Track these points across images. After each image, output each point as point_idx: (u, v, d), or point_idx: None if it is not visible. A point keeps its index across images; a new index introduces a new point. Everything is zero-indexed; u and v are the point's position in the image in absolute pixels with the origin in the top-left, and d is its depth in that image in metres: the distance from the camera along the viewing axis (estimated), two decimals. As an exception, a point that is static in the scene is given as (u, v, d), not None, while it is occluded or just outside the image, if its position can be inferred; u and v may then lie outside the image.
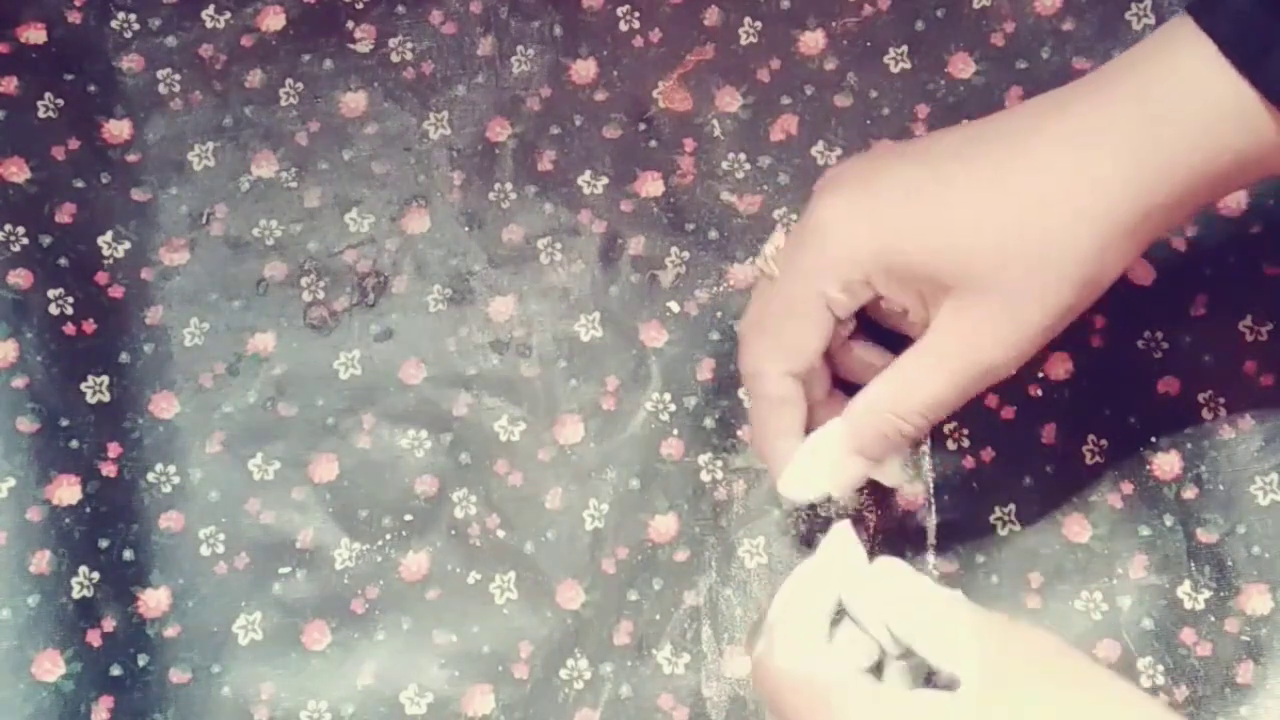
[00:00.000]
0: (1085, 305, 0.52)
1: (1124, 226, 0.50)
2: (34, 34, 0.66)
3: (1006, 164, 0.51)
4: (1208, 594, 0.58)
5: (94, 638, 0.58)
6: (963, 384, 0.52)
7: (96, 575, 0.59)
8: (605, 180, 0.64)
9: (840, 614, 0.50)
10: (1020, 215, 0.50)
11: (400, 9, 0.66)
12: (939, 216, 0.51)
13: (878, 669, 0.49)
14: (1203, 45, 0.49)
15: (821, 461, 0.54)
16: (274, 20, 0.66)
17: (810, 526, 0.59)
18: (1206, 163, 0.50)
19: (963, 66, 0.64)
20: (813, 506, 0.59)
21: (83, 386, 0.61)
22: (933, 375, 0.52)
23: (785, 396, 0.54)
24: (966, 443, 0.60)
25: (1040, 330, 0.51)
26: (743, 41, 0.65)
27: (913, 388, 0.52)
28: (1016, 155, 0.51)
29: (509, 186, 0.64)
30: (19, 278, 0.62)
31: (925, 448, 0.60)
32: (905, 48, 0.64)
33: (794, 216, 0.63)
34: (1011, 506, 0.59)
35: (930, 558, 0.59)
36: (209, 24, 0.66)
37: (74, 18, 0.66)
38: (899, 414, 0.53)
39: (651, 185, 0.64)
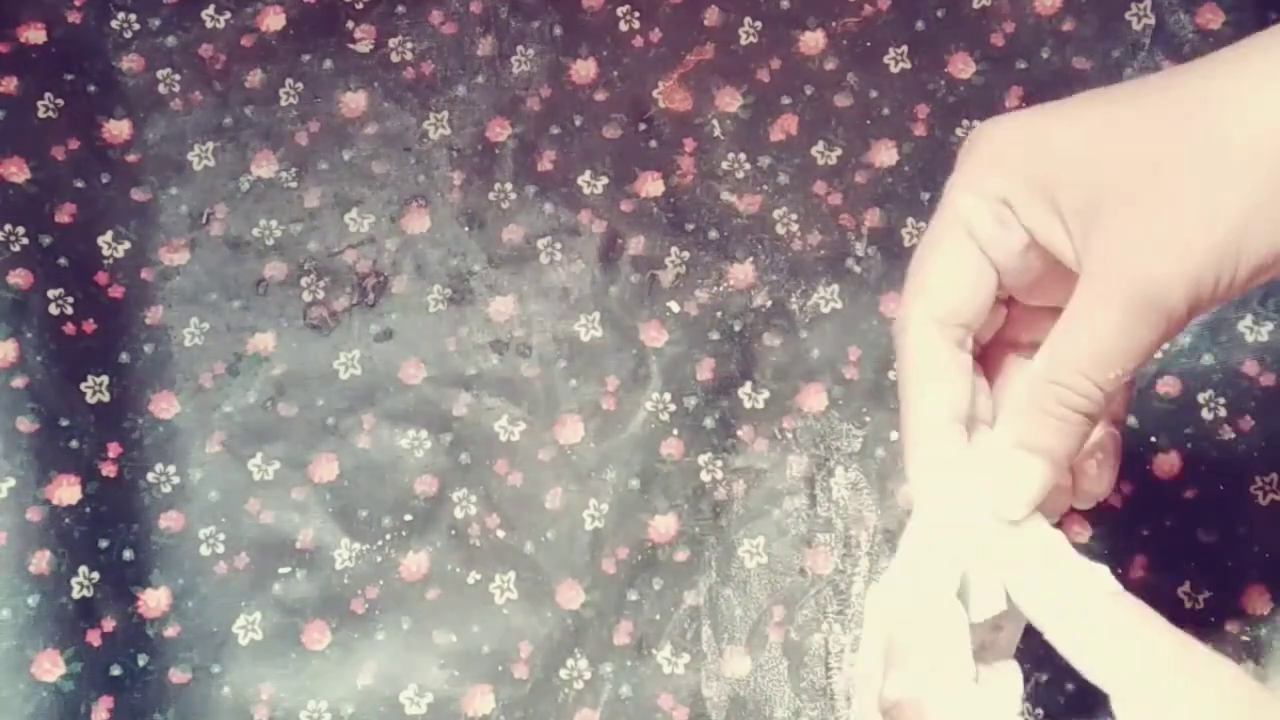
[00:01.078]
0: (1263, 254, 0.41)
1: None
2: (34, 34, 0.66)
3: (1196, 100, 0.42)
4: (1208, 594, 0.58)
5: (94, 638, 0.58)
6: (1126, 319, 0.41)
7: (96, 575, 0.59)
8: (605, 180, 0.64)
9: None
10: (1192, 129, 0.41)
11: (400, 9, 0.66)
12: (1098, 131, 0.42)
13: None
14: None
15: (1000, 475, 0.44)
16: (274, 20, 0.66)
17: (810, 526, 0.59)
18: None
19: (963, 66, 0.64)
20: (813, 506, 0.59)
21: (83, 386, 0.61)
22: (1093, 318, 0.42)
23: (930, 359, 0.44)
24: (966, 443, 0.60)
25: (1219, 246, 0.41)
26: (743, 41, 0.65)
27: (1071, 341, 0.42)
28: (1216, 94, 0.42)
29: (509, 186, 0.64)
30: (19, 278, 0.62)
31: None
32: (905, 48, 0.64)
33: (794, 216, 0.63)
34: (1011, 506, 0.59)
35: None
36: (209, 24, 0.66)
37: (74, 18, 0.66)
38: (1059, 380, 0.42)
39: (651, 185, 0.64)
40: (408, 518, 0.60)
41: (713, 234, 0.63)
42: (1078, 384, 0.42)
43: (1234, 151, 0.41)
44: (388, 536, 0.60)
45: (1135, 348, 0.41)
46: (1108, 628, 0.41)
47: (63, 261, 0.63)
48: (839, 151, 0.64)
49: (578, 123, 0.65)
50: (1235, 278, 0.41)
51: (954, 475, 0.44)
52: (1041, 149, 0.43)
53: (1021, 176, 0.43)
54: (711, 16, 0.65)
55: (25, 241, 0.63)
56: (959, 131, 0.63)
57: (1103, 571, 0.43)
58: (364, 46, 0.66)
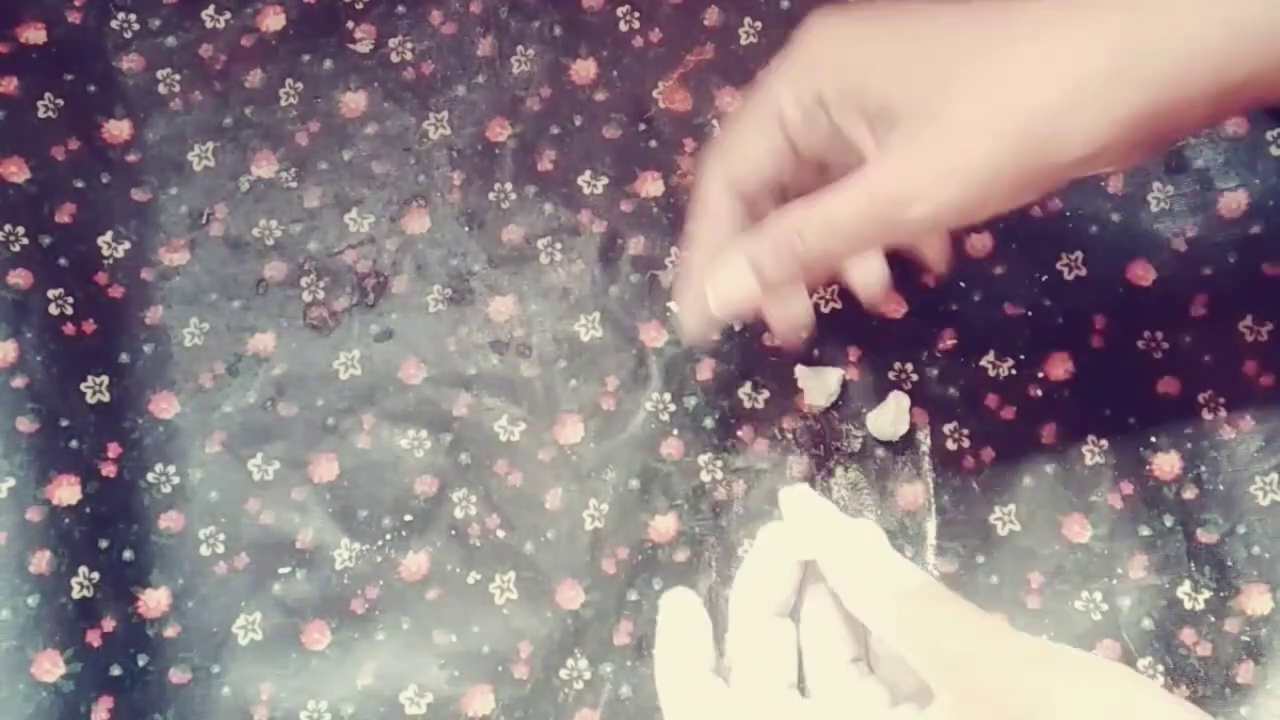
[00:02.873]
0: (1029, 184, 0.47)
1: (1101, 94, 0.46)
2: (34, 34, 0.66)
3: (1000, 30, 0.47)
4: (1208, 594, 0.58)
5: (94, 638, 0.58)
6: (871, 218, 0.48)
7: (96, 575, 0.59)
8: (605, 180, 0.64)
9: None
10: (991, 60, 0.47)
11: (400, 9, 0.66)
12: (910, 48, 0.48)
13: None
14: None
15: (718, 277, 0.52)
16: (274, 20, 0.66)
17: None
18: (1247, 70, 0.45)
19: (963, 66, 0.64)
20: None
21: (83, 386, 0.61)
22: (845, 198, 0.48)
23: (715, 208, 0.52)
24: (966, 443, 0.60)
25: (968, 175, 0.47)
26: (743, 41, 0.65)
27: (822, 201, 0.49)
28: (1018, 27, 0.47)
29: (509, 186, 0.64)
30: (19, 278, 0.62)
31: (925, 448, 0.60)
32: (905, 48, 0.64)
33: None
34: (1011, 506, 0.59)
35: (930, 558, 0.59)
36: (209, 24, 0.66)
37: (74, 18, 0.66)
38: (797, 229, 0.49)
39: (651, 185, 0.64)
40: (408, 518, 0.60)
41: (713, 234, 0.63)
42: (809, 239, 0.49)
43: (996, 117, 0.46)
44: (388, 536, 0.60)
45: (866, 235, 0.49)
46: (897, 622, 0.48)
47: (63, 261, 0.63)
48: (839, 151, 0.64)
49: (578, 123, 0.65)
50: (977, 213, 0.48)
51: (698, 303, 0.53)
52: (855, 60, 0.49)
53: (836, 78, 0.49)
54: (711, 16, 0.65)
55: (25, 241, 0.63)
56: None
57: (908, 567, 0.50)
58: (364, 46, 0.66)
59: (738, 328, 0.62)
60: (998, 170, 0.47)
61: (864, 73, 0.49)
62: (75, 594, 0.59)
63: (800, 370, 0.60)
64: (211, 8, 0.66)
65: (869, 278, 0.55)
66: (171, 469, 0.61)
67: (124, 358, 0.62)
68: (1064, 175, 0.47)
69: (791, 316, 0.55)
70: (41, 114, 0.65)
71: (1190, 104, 0.46)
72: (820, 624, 0.52)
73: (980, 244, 0.62)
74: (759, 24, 0.65)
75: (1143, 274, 0.61)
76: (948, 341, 0.61)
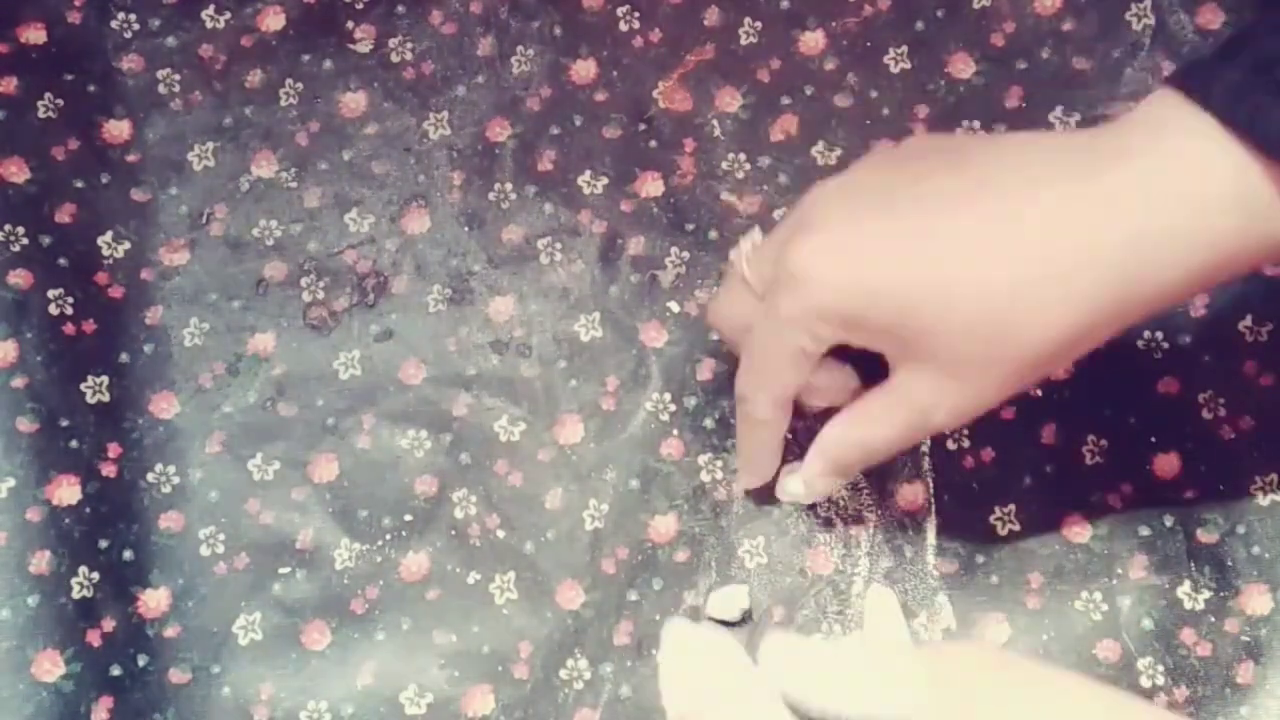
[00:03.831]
0: (1041, 379, 0.56)
1: (1101, 314, 0.50)
2: (34, 34, 0.66)
3: (989, 232, 0.50)
4: (1208, 594, 0.58)
5: (94, 638, 0.58)
6: (907, 436, 0.54)
7: (96, 575, 0.59)
8: (605, 180, 0.64)
9: None
10: (992, 298, 0.50)
11: (400, 9, 0.66)
12: (913, 284, 0.50)
13: None
14: (1196, 119, 0.48)
15: (783, 492, 0.59)
16: (274, 20, 0.66)
17: (810, 526, 0.59)
18: (1204, 247, 0.49)
19: (963, 66, 0.64)
20: (812, 506, 0.59)
21: (83, 386, 0.61)
22: (878, 419, 0.54)
23: (768, 420, 0.56)
24: (966, 443, 0.60)
25: (989, 404, 0.52)
26: (743, 41, 0.65)
27: (861, 428, 0.54)
28: (1002, 223, 0.50)
29: (509, 186, 0.64)
30: (19, 278, 0.62)
31: (925, 448, 0.60)
32: (905, 48, 0.64)
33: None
34: (1011, 506, 0.59)
35: (930, 558, 0.59)
36: (209, 24, 0.66)
37: (74, 18, 0.66)
38: (841, 453, 0.55)
39: (651, 185, 0.64)
40: (408, 518, 0.60)
41: (713, 234, 0.63)
42: (857, 459, 0.56)
43: (1029, 322, 0.50)
44: (388, 536, 0.60)
45: (903, 443, 0.54)
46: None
47: (63, 261, 0.63)
48: (839, 151, 0.64)
49: (578, 123, 0.65)
50: (995, 403, 0.52)
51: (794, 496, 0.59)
52: (857, 299, 0.51)
53: (843, 323, 0.52)
54: (711, 16, 0.65)
55: (25, 241, 0.63)
56: (959, 132, 0.63)
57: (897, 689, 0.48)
58: (364, 46, 0.66)
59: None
60: (1001, 390, 0.52)
61: (870, 311, 0.51)
62: (75, 594, 0.59)
63: None
64: (211, 8, 0.66)
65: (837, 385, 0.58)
66: (171, 469, 0.61)
67: (124, 358, 0.62)
68: (1055, 357, 0.52)
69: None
70: (41, 114, 0.65)
71: (1198, 283, 0.51)
72: None
73: (980, 244, 0.62)
74: (759, 24, 0.65)
75: (1143, 274, 0.61)
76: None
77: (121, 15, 0.66)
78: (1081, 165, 0.50)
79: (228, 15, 0.66)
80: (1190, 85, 0.49)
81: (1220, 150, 0.48)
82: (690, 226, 0.63)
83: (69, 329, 0.62)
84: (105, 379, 0.61)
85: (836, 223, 0.52)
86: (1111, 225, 0.49)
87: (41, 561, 0.59)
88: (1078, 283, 0.49)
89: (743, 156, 0.64)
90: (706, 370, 0.61)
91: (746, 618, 0.58)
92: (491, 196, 0.64)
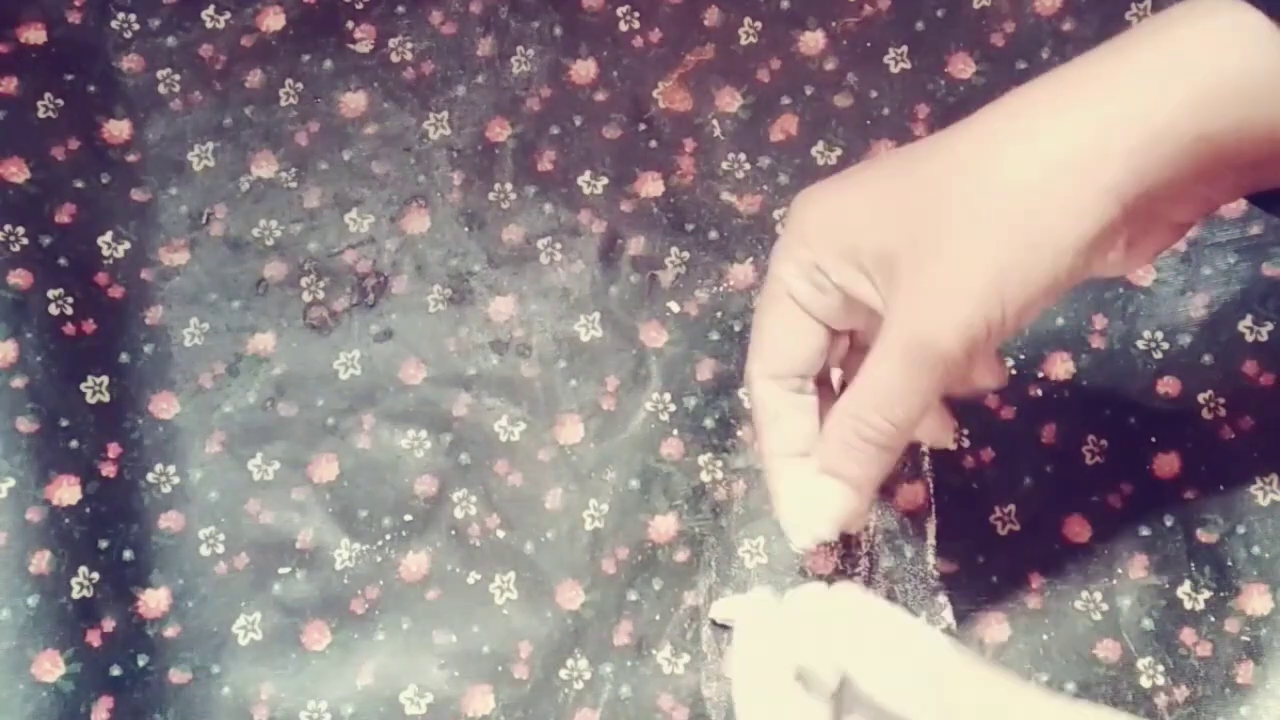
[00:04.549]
0: (1044, 279, 0.46)
1: (1082, 166, 0.45)
2: (34, 34, 0.66)
3: (971, 147, 0.47)
4: (1208, 594, 0.58)
5: (94, 638, 0.58)
6: (912, 371, 0.47)
7: (96, 575, 0.59)
8: (605, 180, 0.64)
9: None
10: (964, 173, 0.46)
11: (400, 9, 0.66)
12: (890, 195, 0.48)
13: None
14: (1223, 7, 0.45)
15: (810, 497, 0.50)
16: (274, 20, 0.66)
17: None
18: (1230, 134, 0.45)
19: (963, 66, 0.64)
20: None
21: (83, 386, 0.61)
22: (881, 363, 0.48)
23: (774, 407, 0.51)
24: (966, 443, 0.60)
25: (973, 287, 0.46)
26: (743, 41, 0.65)
27: (863, 380, 0.48)
28: (987, 139, 0.47)
29: (509, 186, 0.64)
30: (19, 278, 0.62)
31: (925, 448, 0.60)
32: (905, 48, 0.64)
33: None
34: (1011, 506, 0.59)
35: (930, 558, 0.59)
36: (209, 24, 0.66)
37: (74, 18, 0.66)
38: (853, 412, 0.48)
39: (651, 185, 0.64)
40: (408, 518, 0.60)
41: (713, 234, 0.63)
42: (871, 419, 0.48)
43: (983, 219, 0.46)
44: (388, 536, 0.60)
45: (916, 389, 0.47)
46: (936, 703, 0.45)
47: (63, 261, 0.63)
48: (839, 151, 0.64)
49: (578, 123, 0.65)
50: (1005, 319, 0.46)
51: (808, 530, 0.51)
52: (840, 221, 0.49)
53: (827, 246, 0.49)
54: (711, 16, 0.65)
55: (25, 241, 0.63)
56: (959, 131, 0.63)
57: (928, 645, 0.46)
58: (364, 46, 0.66)
59: (737, 328, 0.62)
60: (1001, 271, 0.46)
61: (852, 231, 0.48)
62: (75, 594, 0.59)
63: None
64: (211, 8, 0.66)
65: (936, 435, 0.54)
66: (171, 469, 0.61)
67: (124, 358, 0.62)
68: (1080, 265, 0.46)
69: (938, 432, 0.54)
70: (41, 114, 0.65)
71: (1177, 170, 0.45)
72: None
73: (980, 244, 0.62)
74: (759, 24, 0.65)
75: (1143, 274, 0.61)
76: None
77: (121, 15, 0.66)
78: (1088, 65, 0.47)
79: (228, 15, 0.66)
80: None
81: (1255, 19, 0.44)
82: (690, 226, 0.63)
83: (69, 329, 0.62)
84: (105, 379, 0.61)
85: (827, 181, 0.51)
86: (1124, 106, 0.45)
87: (41, 561, 0.59)
88: (1104, 170, 0.45)
89: (743, 156, 0.64)
90: (706, 370, 0.61)
91: None
92: (491, 196, 0.64)
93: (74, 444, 0.60)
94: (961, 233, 0.46)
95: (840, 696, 0.48)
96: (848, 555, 0.59)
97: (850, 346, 0.53)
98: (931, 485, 0.59)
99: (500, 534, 0.60)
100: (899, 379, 0.47)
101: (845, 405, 0.49)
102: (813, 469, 0.50)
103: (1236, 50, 0.45)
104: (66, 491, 0.60)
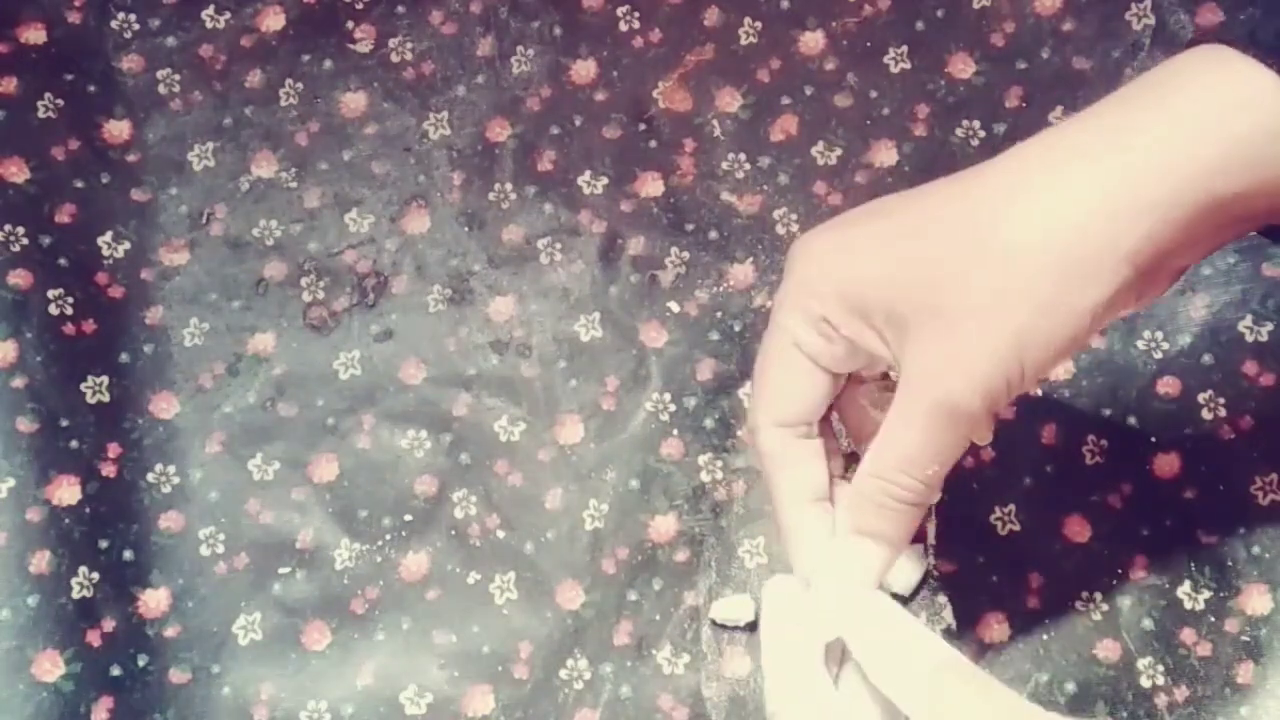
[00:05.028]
0: (1064, 339, 0.46)
1: (1105, 234, 0.46)
2: (34, 34, 0.66)
3: (986, 206, 0.47)
4: (1208, 594, 0.58)
5: (94, 638, 0.58)
6: (931, 428, 0.48)
7: (96, 575, 0.59)
8: (605, 180, 0.64)
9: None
10: (981, 234, 0.46)
11: (400, 9, 0.66)
12: (898, 249, 0.48)
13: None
14: (1235, 64, 0.45)
15: (844, 557, 0.51)
16: (274, 20, 0.66)
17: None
18: (1242, 195, 0.45)
19: (963, 66, 0.64)
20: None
21: (83, 386, 0.61)
22: (906, 426, 0.48)
23: (784, 455, 0.51)
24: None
25: (1002, 359, 0.46)
26: (743, 41, 0.65)
27: (890, 443, 0.49)
28: (1001, 198, 0.47)
29: (509, 186, 0.64)
30: (19, 278, 0.62)
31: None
32: (905, 48, 0.64)
33: (794, 216, 0.63)
34: (1011, 506, 0.59)
35: (930, 558, 0.59)
36: (209, 24, 0.66)
37: (74, 18, 0.66)
38: (880, 474, 0.49)
39: (651, 185, 0.64)
40: (408, 518, 0.60)
41: (713, 234, 0.63)
42: (898, 479, 0.49)
43: (1000, 280, 0.46)
44: (388, 536, 0.60)
45: (942, 448, 0.48)
46: (929, 701, 0.46)
47: (63, 261, 0.63)
48: (839, 151, 0.64)
49: (578, 123, 0.65)
50: (1024, 377, 0.47)
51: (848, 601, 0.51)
52: (849, 274, 0.49)
53: (834, 299, 0.49)
54: (711, 16, 0.65)
55: (25, 241, 0.63)
56: (959, 131, 0.63)
57: (935, 642, 0.48)
58: (364, 46, 0.66)
59: (737, 328, 0.62)
60: (1020, 333, 0.46)
61: (862, 286, 0.48)
62: (75, 594, 0.59)
63: None
64: (211, 8, 0.66)
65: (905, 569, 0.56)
66: (171, 469, 0.61)
67: (124, 358, 0.62)
68: (1097, 324, 0.47)
69: (905, 574, 0.56)
70: (41, 114, 0.65)
71: (1189, 231, 0.46)
72: (854, 704, 0.50)
73: (980, 244, 0.62)
74: (759, 24, 0.65)
75: (1143, 274, 0.61)
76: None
77: (121, 15, 0.66)
78: (1094, 121, 0.47)
79: (228, 15, 0.66)
80: (1225, 39, 0.46)
81: (1266, 86, 0.45)
82: (690, 226, 0.63)
83: (69, 329, 0.62)
84: (105, 379, 0.61)
85: (829, 224, 0.51)
86: (1132, 162, 0.45)
87: (41, 561, 0.59)
88: (1120, 237, 0.45)
89: (743, 156, 0.64)
90: (706, 370, 0.61)
91: (752, 626, 0.58)
92: (491, 196, 0.64)
93: (74, 444, 0.60)
94: (981, 297, 0.46)
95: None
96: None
97: (848, 382, 0.53)
98: (931, 485, 0.59)
99: (500, 534, 0.60)
100: (925, 440, 0.48)
101: (873, 468, 0.49)
102: (840, 527, 0.51)
103: (1249, 114, 0.45)
104: (66, 491, 0.60)
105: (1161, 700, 0.56)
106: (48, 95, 0.65)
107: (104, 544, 0.59)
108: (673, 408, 0.61)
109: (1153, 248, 0.46)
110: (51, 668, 0.58)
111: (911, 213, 0.49)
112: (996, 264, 0.46)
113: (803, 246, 0.50)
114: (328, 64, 0.65)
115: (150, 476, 0.61)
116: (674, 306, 0.62)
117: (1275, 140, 0.45)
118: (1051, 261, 0.46)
